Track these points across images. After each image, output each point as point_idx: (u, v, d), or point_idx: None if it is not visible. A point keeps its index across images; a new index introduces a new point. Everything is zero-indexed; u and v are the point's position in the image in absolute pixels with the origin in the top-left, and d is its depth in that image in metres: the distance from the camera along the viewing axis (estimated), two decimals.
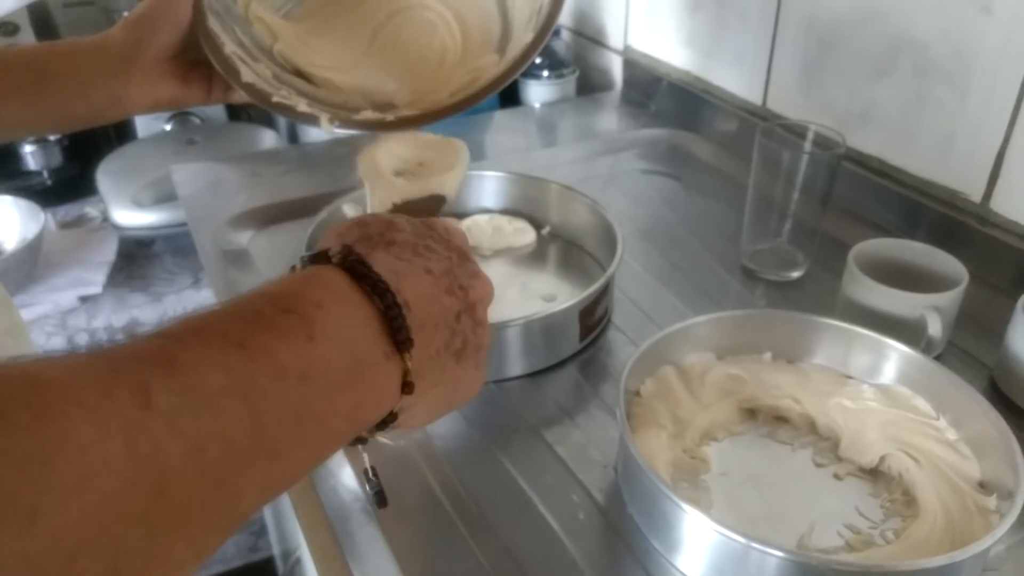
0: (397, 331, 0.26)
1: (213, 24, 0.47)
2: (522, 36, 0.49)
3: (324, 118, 0.46)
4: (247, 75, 0.46)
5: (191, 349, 0.21)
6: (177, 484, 0.19)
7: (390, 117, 0.47)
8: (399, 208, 0.47)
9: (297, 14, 0.54)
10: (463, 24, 0.53)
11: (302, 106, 0.47)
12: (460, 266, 0.31)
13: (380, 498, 0.36)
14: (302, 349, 0.24)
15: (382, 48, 0.53)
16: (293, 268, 0.28)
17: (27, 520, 0.16)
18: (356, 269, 0.27)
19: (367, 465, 0.35)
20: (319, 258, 0.28)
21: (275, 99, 0.46)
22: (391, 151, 0.49)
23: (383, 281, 0.27)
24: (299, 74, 0.52)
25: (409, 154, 0.49)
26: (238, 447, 0.21)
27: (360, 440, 0.30)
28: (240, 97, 0.48)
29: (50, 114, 0.48)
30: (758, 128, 0.60)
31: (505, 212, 0.70)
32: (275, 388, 0.23)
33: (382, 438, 0.31)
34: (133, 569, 0.19)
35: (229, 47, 0.47)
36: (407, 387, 0.27)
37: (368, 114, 0.47)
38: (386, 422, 0.28)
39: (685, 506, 0.38)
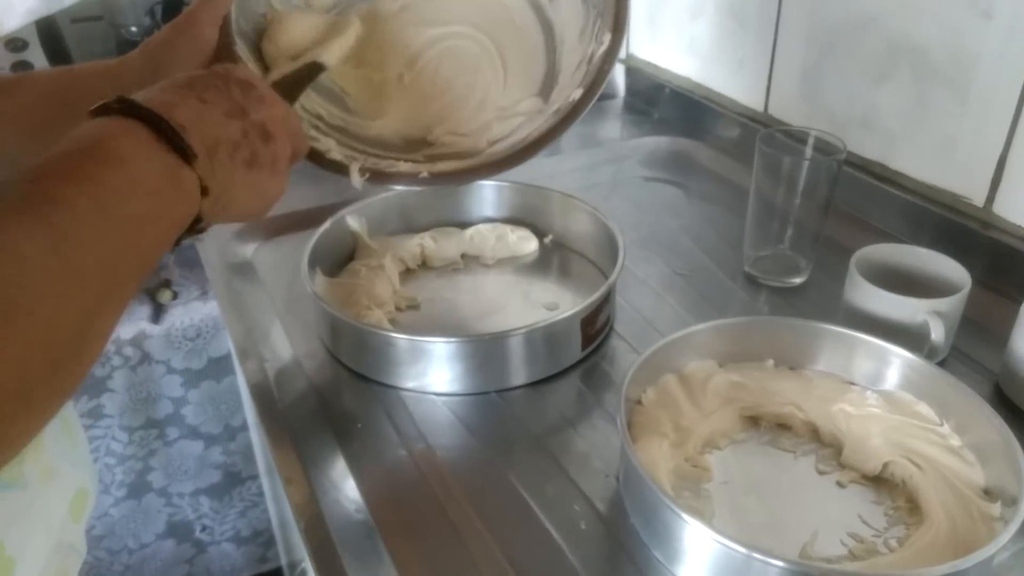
0: (176, 144, 0.33)
1: (241, 50, 0.45)
2: (568, 84, 0.46)
3: (354, 169, 0.45)
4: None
5: (61, 185, 0.29)
6: (91, 277, 0.28)
7: (422, 174, 0.46)
8: (278, 83, 0.45)
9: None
10: (504, 57, 0.50)
11: (334, 152, 0.45)
12: (243, 95, 0.38)
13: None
14: (109, 174, 0.30)
15: (420, 77, 0.51)
16: (102, 108, 0.34)
17: (12, 319, 0.24)
18: (131, 112, 0.33)
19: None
20: (100, 111, 0.34)
21: (308, 142, 0.44)
22: (291, 37, 0.47)
23: (153, 112, 0.33)
24: (332, 99, 0.49)
25: (307, 38, 0.47)
26: (113, 247, 0.30)
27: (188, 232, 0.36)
28: None
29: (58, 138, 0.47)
30: (759, 135, 0.60)
31: (508, 221, 0.71)
32: (120, 205, 0.30)
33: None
34: (96, 325, 0.29)
35: (252, 64, 0.46)
36: (204, 191, 0.34)
37: (401, 166, 0.46)
38: (195, 226, 0.36)
39: (686, 516, 0.38)
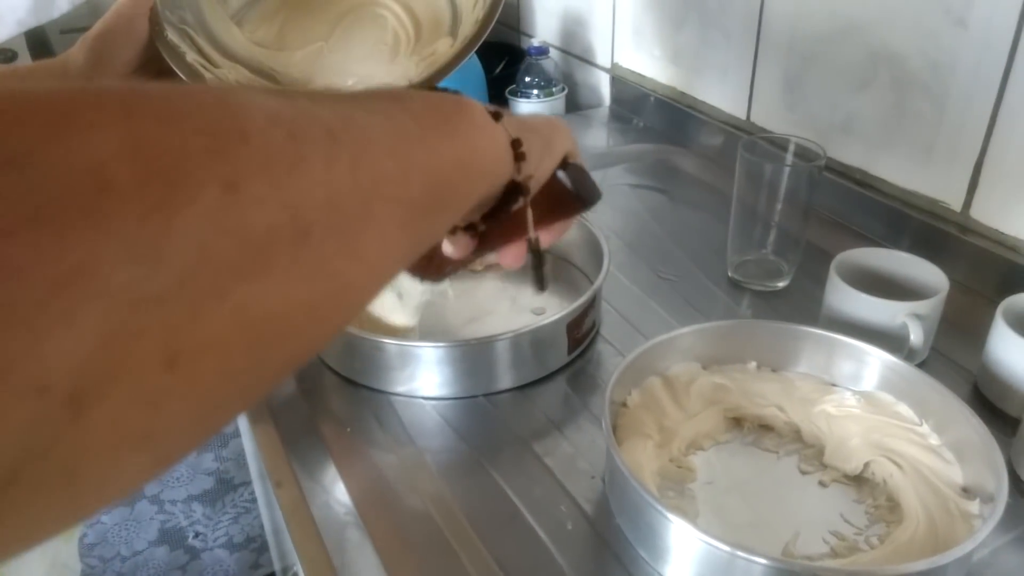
0: (496, 115, 0.32)
1: (172, 35, 0.48)
2: (472, 15, 0.51)
3: None
4: (211, 81, 0.48)
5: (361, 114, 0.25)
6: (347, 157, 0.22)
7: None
8: None
9: (252, 19, 0.56)
10: (413, 15, 0.55)
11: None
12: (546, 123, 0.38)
13: (540, 279, 0.42)
14: (442, 115, 0.29)
15: (337, 46, 0.55)
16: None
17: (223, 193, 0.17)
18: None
19: (532, 235, 0.39)
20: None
21: None
22: None
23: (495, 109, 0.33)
24: (263, 76, 0.53)
25: None
26: (404, 132, 0.26)
27: (520, 190, 0.35)
28: None
29: None
30: (740, 142, 0.61)
31: None
32: (443, 122, 0.28)
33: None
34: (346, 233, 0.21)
35: (190, 55, 0.49)
36: (517, 150, 0.33)
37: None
38: (520, 168, 0.34)
39: (670, 515, 0.39)
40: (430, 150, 0.27)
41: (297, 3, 0.57)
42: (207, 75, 0.49)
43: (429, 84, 0.49)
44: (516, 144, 0.34)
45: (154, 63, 0.49)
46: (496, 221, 0.36)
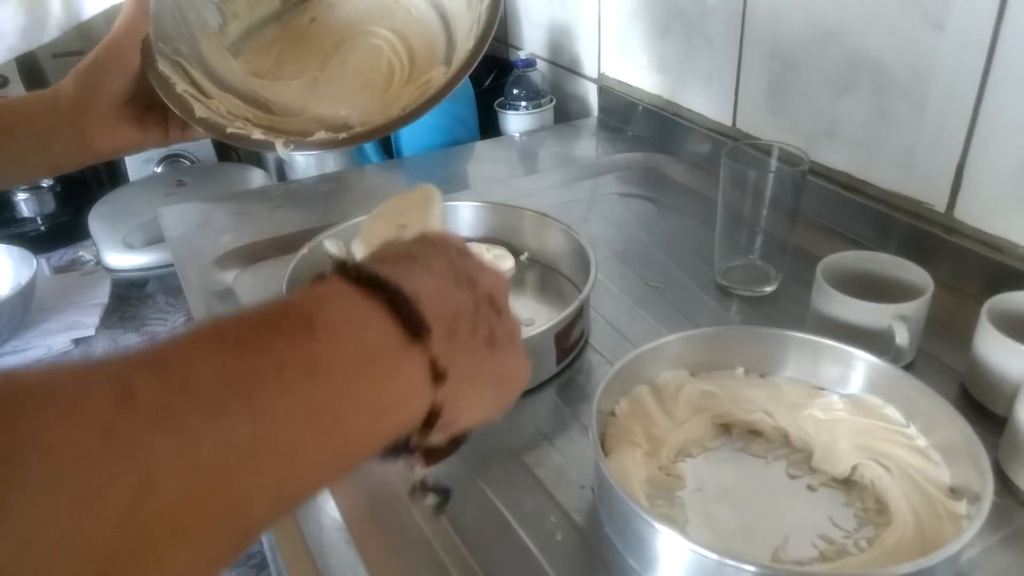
0: (408, 317, 0.25)
1: (163, 67, 0.49)
2: (465, 44, 0.51)
3: (279, 143, 0.48)
4: (200, 111, 0.49)
5: (180, 347, 0.21)
6: (168, 482, 0.18)
7: (342, 135, 0.49)
8: None
9: (248, 50, 0.57)
10: (408, 44, 0.56)
11: (256, 134, 0.49)
12: (462, 260, 0.31)
13: (444, 499, 0.36)
14: (303, 341, 0.23)
15: (332, 76, 0.55)
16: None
17: None
18: (354, 274, 0.26)
19: (419, 479, 0.34)
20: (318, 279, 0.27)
21: (230, 130, 0.48)
22: (375, 234, 0.50)
23: (382, 276, 0.26)
24: (258, 106, 0.54)
25: (390, 229, 0.50)
26: (238, 444, 0.20)
27: (408, 450, 0.28)
28: (198, 134, 0.50)
29: (8, 168, 0.48)
30: (724, 149, 0.62)
31: (484, 240, 0.72)
32: (276, 382, 0.21)
33: (434, 442, 0.29)
34: (126, 572, 0.18)
35: (180, 86, 0.49)
36: (438, 378, 0.26)
37: (321, 135, 0.49)
38: (430, 421, 0.27)
39: (658, 525, 0.39)
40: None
41: (294, 34, 0.58)
42: (198, 105, 0.49)
43: (419, 114, 0.49)
44: (440, 371, 0.26)
45: (145, 95, 0.50)
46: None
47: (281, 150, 0.48)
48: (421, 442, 0.28)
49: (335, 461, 0.24)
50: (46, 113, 0.48)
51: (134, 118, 0.50)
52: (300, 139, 0.49)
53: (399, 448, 0.28)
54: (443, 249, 0.31)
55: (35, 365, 0.20)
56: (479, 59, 0.49)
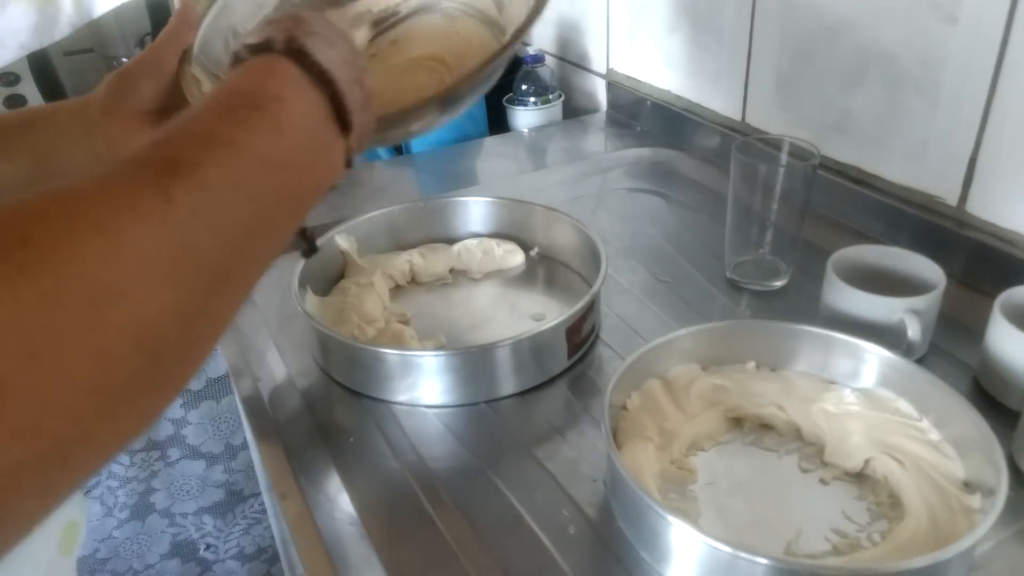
0: (343, 115, 0.32)
1: (199, 74, 0.49)
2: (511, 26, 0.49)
3: None
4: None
5: (191, 151, 0.26)
6: (208, 258, 0.24)
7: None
8: None
9: None
10: (462, 64, 0.53)
11: None
12: (320, 23, 0.35)
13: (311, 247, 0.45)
14: (275, 141, 0.29)
15: (380, 90, 0.55)
16: (236, 57, 0.32)
17: (99, 305, 0.20)
18: (302, 60, 0.31)
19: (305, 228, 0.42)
20: (263, 47, 0.32)
21: None
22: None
23: (327, 71, 0.31)
24: None
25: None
26: (243, 225, 0.27)
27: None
28: None
29: (29, 166, 0.48)
30: (734, 143, 0.62)
31: (494, 236, 0.72)
32: (261, 176, 0.28)
33: None
34: (210, 311, 0.25)
35: (206, 85, 0.49)
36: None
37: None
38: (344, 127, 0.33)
39: (671, 518, 0.39)
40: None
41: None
42: None
43: (452, 91, 0.48)
44: (341, 109, 0.32)
45: (175, 109, 0.49)
46: None
47: None
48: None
49: (292, 223, 0.32)
50: (73, 113, 0.48)
51: (160, 123, 0.50)
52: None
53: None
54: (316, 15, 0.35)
55: (83, 180, 0.23)
56: (532, 26, 0.48)
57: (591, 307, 0.57)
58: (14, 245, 0.20)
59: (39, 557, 0.40)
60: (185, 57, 0.48)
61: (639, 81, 1.00)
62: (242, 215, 0.26)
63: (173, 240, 0.23)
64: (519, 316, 0.64)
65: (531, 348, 0.54)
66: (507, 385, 0.55)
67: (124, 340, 0.21)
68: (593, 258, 0.62)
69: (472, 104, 0.50)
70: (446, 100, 0.47)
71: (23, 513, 0.19)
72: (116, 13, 1.08)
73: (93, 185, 0.23)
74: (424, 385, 0.54)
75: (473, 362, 0.54)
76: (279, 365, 0.60)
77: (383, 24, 0.57)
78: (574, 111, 1.11)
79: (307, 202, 0.32)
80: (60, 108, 0.48)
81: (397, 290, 0.68)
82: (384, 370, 0.54)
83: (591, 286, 0.58)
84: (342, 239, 0.68)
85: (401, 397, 0.55)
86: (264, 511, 1.10)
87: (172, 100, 0.49)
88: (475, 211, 0.73)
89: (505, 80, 1.09)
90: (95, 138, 0.48)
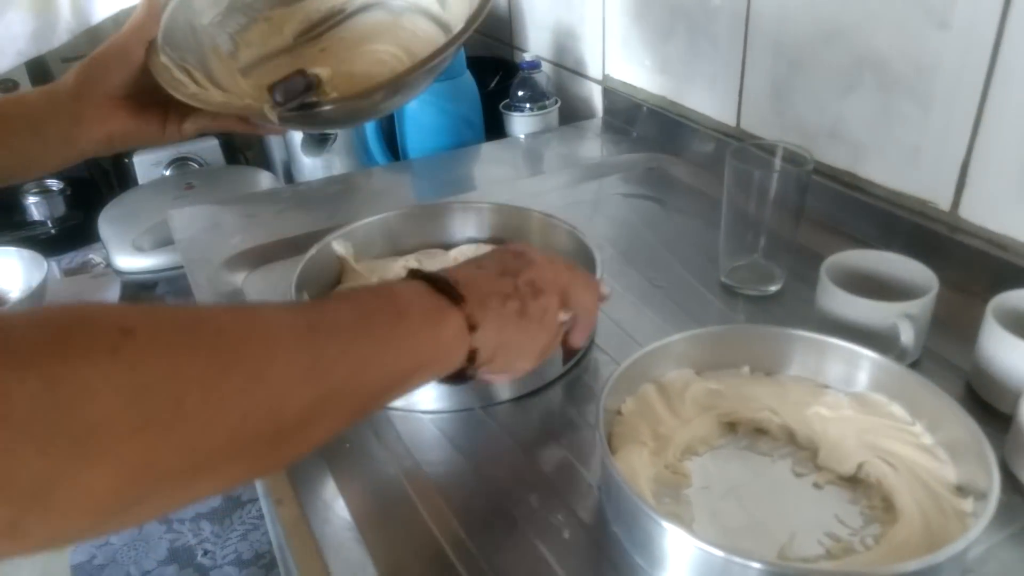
0: (447, 290, 0.39)
1: (165, 59, 0.51)
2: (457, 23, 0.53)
3: (265, 106, 0.50)
4: (192, 88, 0.50)
5: (333, 327, 0.34)
6: (332, 383, 0.32)
7: (333, 93, 0.51)
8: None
9: (257, 73, 0.58)
10: (411, 54, 0.57)
11: (246, 99, 0.50)
12: (514, 260, 0.44)
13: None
14: (394, 319, 0.37)
15: (337, 83, 0.56)
16: (419, 275, 0.41)
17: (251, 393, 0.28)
18: (420, 275, 0.41)
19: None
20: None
21: (219, 99, 0.51)
22: None
23: (437, 274, 0.40)
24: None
25: None
26: (363, 358, 0.34)
27: (463, 377, 0.42)
28: (192, 132, 0.52)
29: (6, 158, 0.50)
30: (729, 149, 0.62)
31: (490, 241, 0.72)
32: (389, 331, 0.36)
33: (487, 376, 0.44)
34: (320, 426, 0.32)
35: (176, 73, 0.51)
36: (472, 328, 0.39)
37: (312, 97, 0.50)
38: (472, 359, 0.40)
39: (664, 522, 0.39)
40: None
41: (305, 61, 0.59)
42: (191, 85, 0.50)
43: (410, 73, 0.50)
44: (472, 324, 0.39)
45: (145, 94, 0.51)
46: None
47: (269, 112, 0.49)
48: (472, 374, 0.41)
49: (409, 375, 0.38)
50: (44, 101, 0.50)
51: (132, 109, 0.52)
52: (286, 105, 0.50)
53: (458, 377, 0.41)
54: (501, 254, 0.45)
55: (266, 309, 0.34)
56: (479, 22, 0.50)
57: None
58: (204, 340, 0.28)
59: (35, 556, 0.40)
60: (151, 47, 0.50)
61: (635, 87, 1.01)
62: (358, 359, 0.35)
63: (312, 385, 0.32)
64: None
65: None
66: (503, 391, 0.55)
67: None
68: (588, 264, 0.62)
69: (423, 91, 0.53)
70: (397, 87, 0.51)
71: (166, 506, 0.28)
72: (114, 20, 1.08)
73: (275, 317, 0.32)
74: (420, 390, 0.54)
75: None
76: None
77: (331, 20, 0.60)
78: (570, 117, 1.11)
79: (430, 354, 0.39)
80: (28, 96, 0.51)
81: None
82: None
83: None
84: (339, 244, 0.68)
85: (397, 402, 0.55)
86: (261, 517, 1.10)
87: (139, 87, 0.51)
88: (472, 217, 0.73)
89: (502, 86, 1.10)
90: (66, 120, 0.50)
